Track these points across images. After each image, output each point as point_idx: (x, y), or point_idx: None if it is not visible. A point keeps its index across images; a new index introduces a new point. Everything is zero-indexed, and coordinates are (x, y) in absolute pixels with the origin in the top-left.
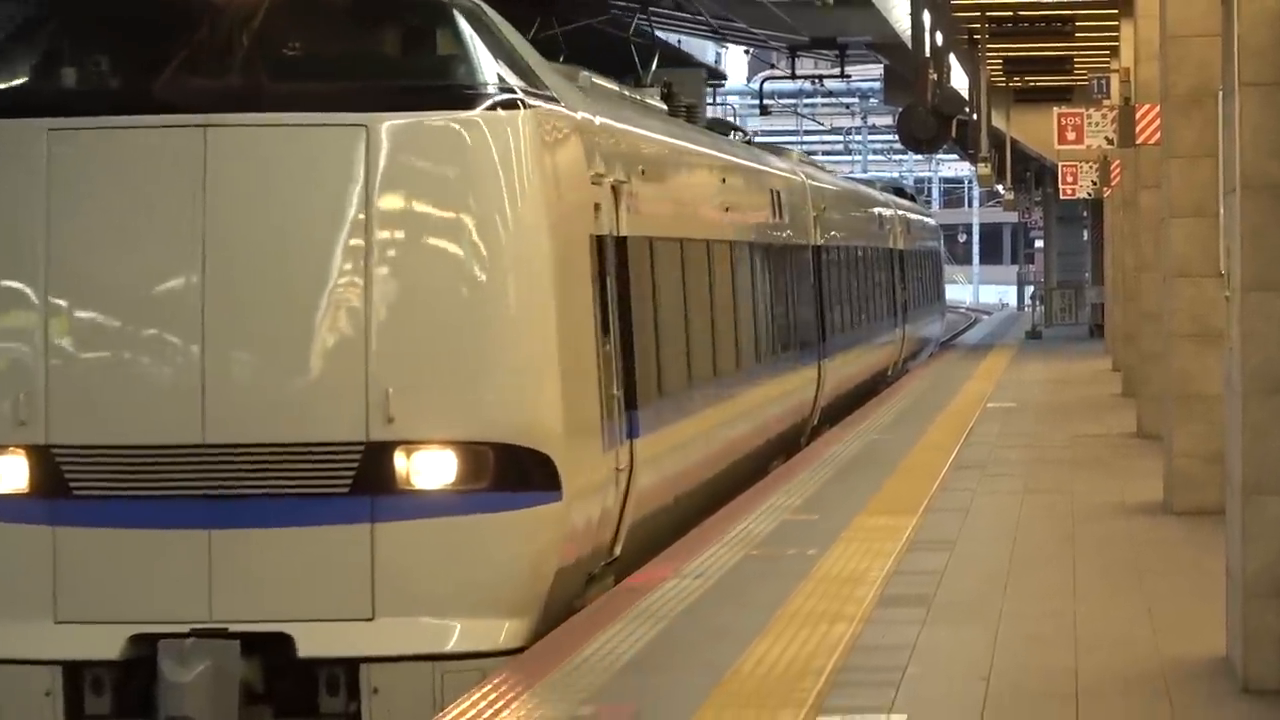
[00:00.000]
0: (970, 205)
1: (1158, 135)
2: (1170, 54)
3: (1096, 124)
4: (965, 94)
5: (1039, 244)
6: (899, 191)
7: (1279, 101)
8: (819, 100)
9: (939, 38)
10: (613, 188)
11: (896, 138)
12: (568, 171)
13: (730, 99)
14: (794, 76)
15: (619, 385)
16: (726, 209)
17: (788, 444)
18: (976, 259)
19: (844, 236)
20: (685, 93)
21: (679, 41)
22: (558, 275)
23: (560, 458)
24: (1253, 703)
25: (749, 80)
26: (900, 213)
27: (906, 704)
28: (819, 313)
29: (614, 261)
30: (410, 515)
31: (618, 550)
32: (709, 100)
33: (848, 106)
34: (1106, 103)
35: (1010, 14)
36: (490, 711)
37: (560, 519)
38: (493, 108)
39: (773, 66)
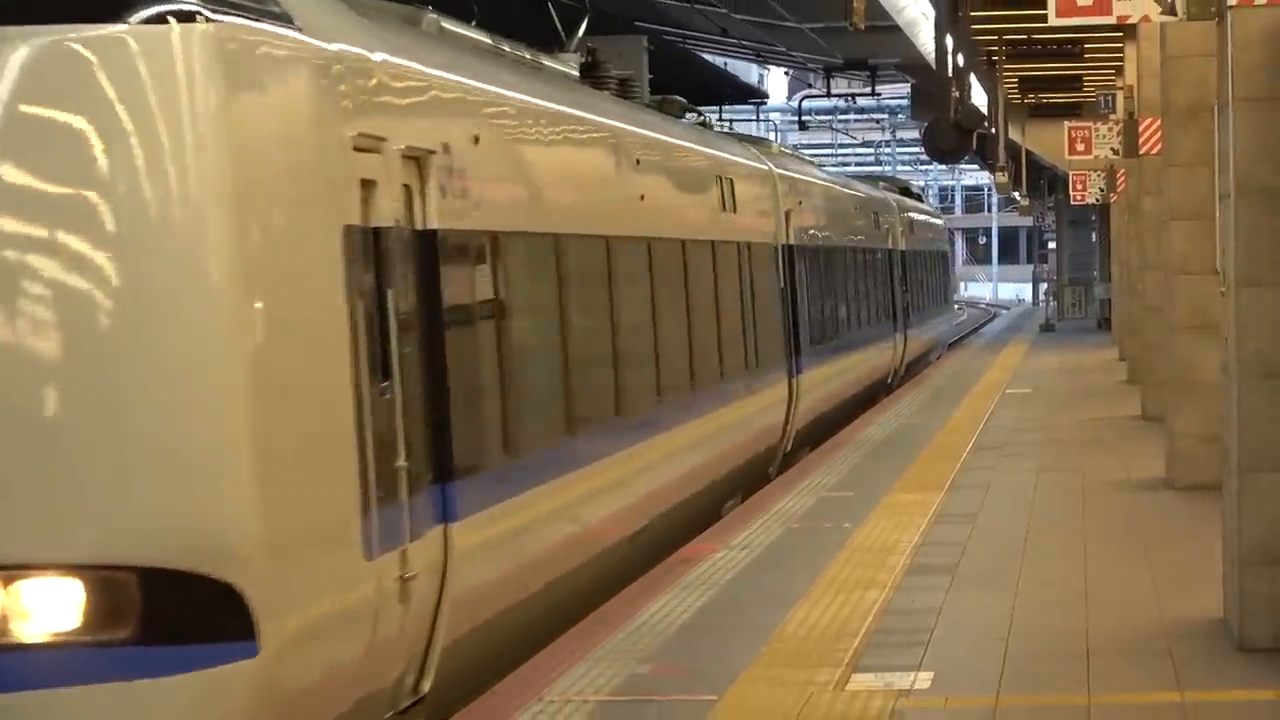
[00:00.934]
0: (989, 210)
1: (1159, 146)
2: (1170, 73)
3: (1103, 136)
4: (984, 110)
5: (1052, 245)
6: (905, 191)
7: (1269, 115)
8: (852, 116)
9: (960, 59)
10: (413, 160)
11: (923, 149)
12: (296, 127)
13: (772, 116)
14: (829, 95)
15: (414, 451)
16: (641, 198)
17: (749, 478)
18: (995, 259)
19: (826, 235)
20: (622, 64)
21: (725, 64)
22: (256, 289)
23: (256, 586)
24: (1247, 660)
25: (789, 98)
26: (901, 211)
27: (933, 663)
28: (789, 322)
29: (411, 267)
30: (6, 685)
31: (426, 685)
32: (751, 118)
33: (878, 122)
34: (1112, 117)
35: (1025, 37)
36: (553, 674)
37: (259, 684)
38: (152, 21)
39: (810, 86)
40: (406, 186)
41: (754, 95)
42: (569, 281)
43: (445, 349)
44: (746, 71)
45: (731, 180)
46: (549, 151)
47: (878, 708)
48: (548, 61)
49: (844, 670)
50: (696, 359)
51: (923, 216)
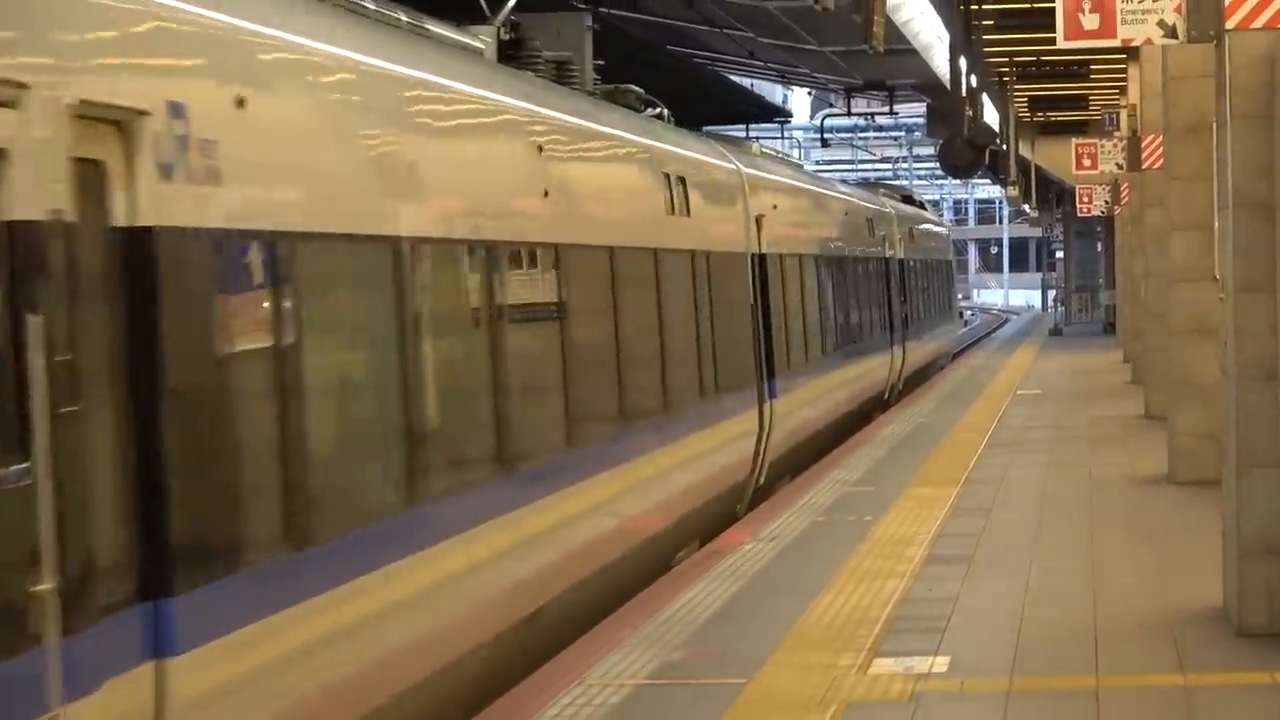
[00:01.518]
0: (1001, 222)
1: (1160, 161)
2: (1171, 93)
3: (1108, 152)
4: (996, 128)
5: (1060, 254)
6: (908, 199)
7: (1264, 131)
8: (872, 134)
9: (973, 80)
10: (105, 123)
11: (939, 165)
12: None
13: (796, 134)
14: (850, 113)
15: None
16: (545, 193)
17: (708, 520)
18: (1006, 267)
19: (807, 243)
20: (560, 44)
21: (751, 85)
22: None
23: None
24: (1246, 644)
25: (811, 117)
26: (900, 219)
27: (950, 648)
28: (760, 340)
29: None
30: None
31: None
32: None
33: (896, 139)
34: (1117, 134)
35: (1035, 59)
36: (592, 659)
37: None
38: None
39: (832, 105)
40: (88, 161)
41: (779, 114)
42: (416, 295)
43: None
44: (771, 92)
45: (683, 179)
46: (373, 119)
47: (898, 690)
48: (441, 31)
49: (866, 655)
50: (629, 391)
51: (924, 225)
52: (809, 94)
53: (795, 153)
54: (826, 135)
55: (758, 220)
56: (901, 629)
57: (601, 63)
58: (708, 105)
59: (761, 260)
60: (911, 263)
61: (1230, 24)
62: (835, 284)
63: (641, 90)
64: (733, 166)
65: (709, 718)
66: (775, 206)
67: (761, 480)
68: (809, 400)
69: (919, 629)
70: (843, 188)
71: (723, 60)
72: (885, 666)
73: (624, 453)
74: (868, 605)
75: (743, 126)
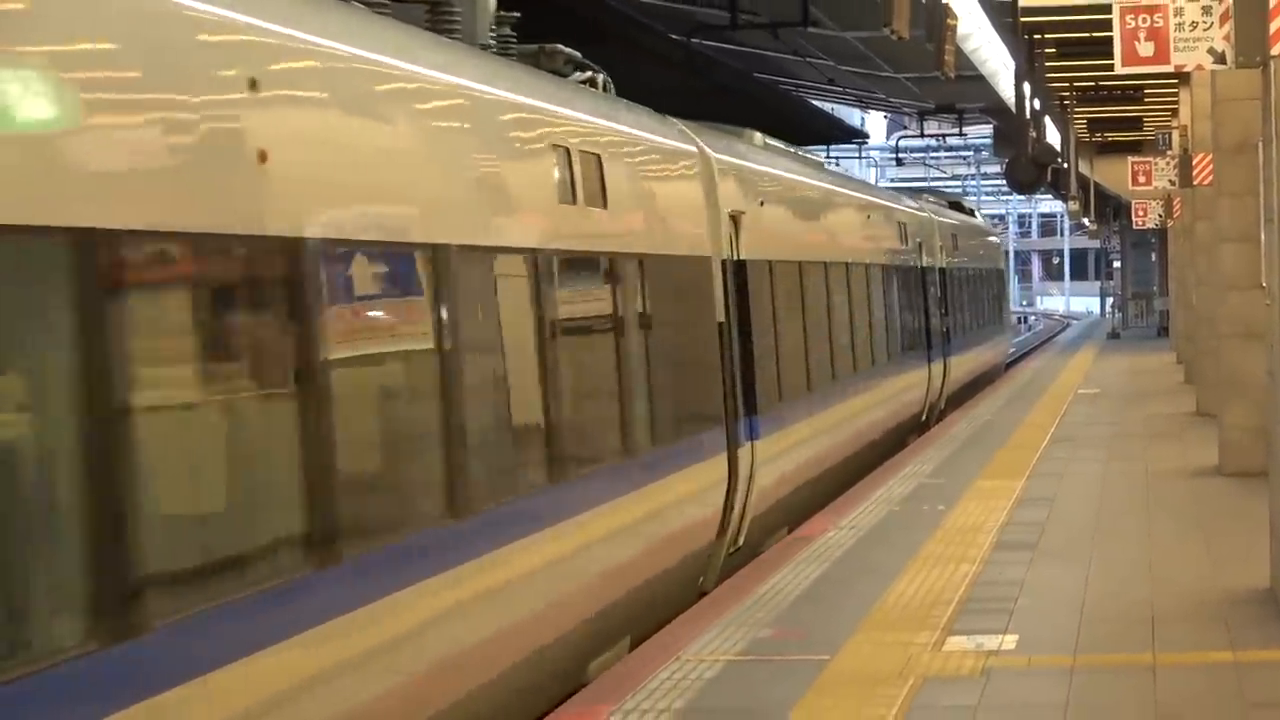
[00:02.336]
0: (1062, 234)
1: (1210, 178)
2: (1219, 114)
3: (1162, 170)
4: (1058, 147)
5: (1117, 264)
6: (956, 205)
7: None
8: (943, 153)
9: (1036, 103)
10: None
11: (1004, 182)
12: None
13: (872, 153)
14: (923, 134)
15: None
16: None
17: (655, 602)
18: (1068, 276)
19: (813, 249)
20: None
21: (832, 109)
22: None
23: None
24: None
25: (887, 138)
26: (940, 225)
27: (1017, 627)
28: (731, 367)
29: None
30: None
31: None
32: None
33: (965, 158)
34: (1169, 153)
35: (1093, 84)
36: (688, 638)
37: None
38: None
39: (905, 127)
40: None
41: (857, 136)
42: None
43: None
44: (850, 115)
45: (597, 158)
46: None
47: (970, 666)
48: None
49: (940, 634)
50: (514, 443)
51: (971, 231)
52: (885, 117)
53: (871, 171)
54: (901, 155)
55: (734, 219)
56: (972, 610)
57: (517, 15)
58: (792, 128)
59: (739, 268)
60: (956, 272)
61: (1275, 50)
62: (853, 296)
63: (579, 54)
64: (691, 149)
65: (795, 691)
66: (762, 203)
67: (740, 541)
68: (812, 436)
69: (989, 610)
70: (868, 188)
71: (806, 86)
72: (958, 644)
73: (474, 546)
74: (941, 588)
75: (824, 147)
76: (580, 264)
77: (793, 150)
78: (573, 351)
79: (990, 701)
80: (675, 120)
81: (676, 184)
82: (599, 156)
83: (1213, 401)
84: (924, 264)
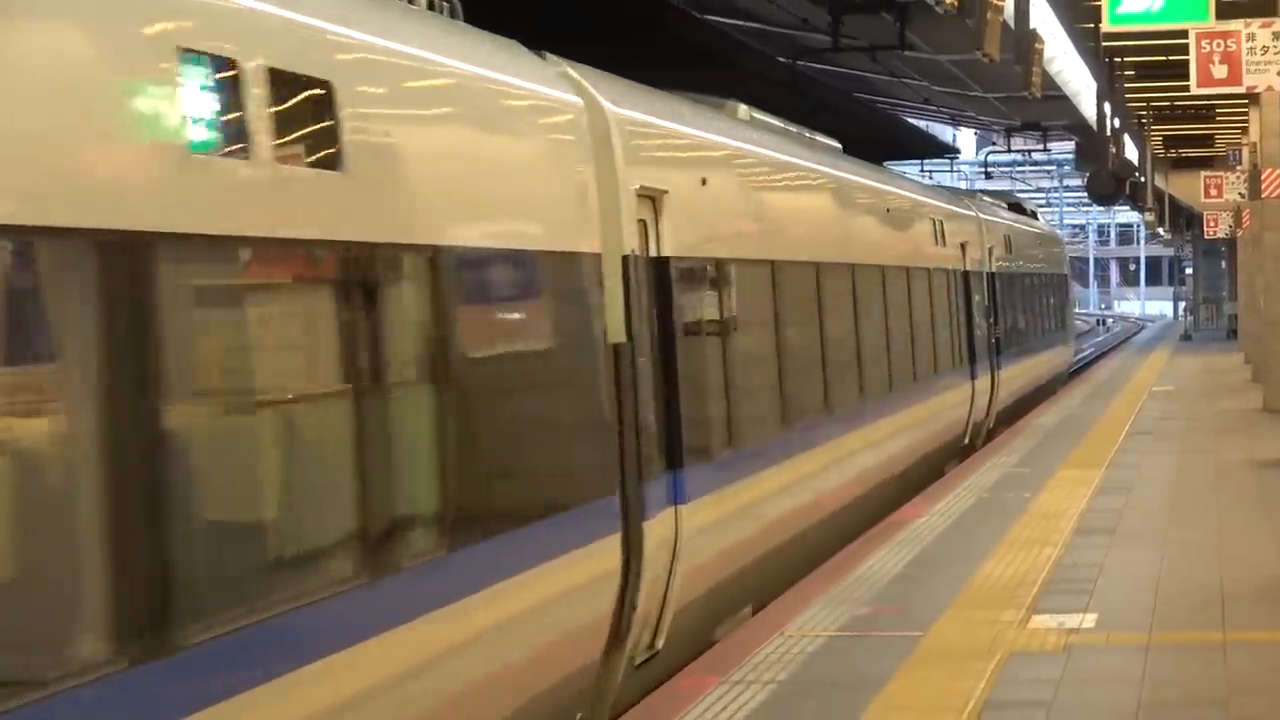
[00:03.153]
0: (1138, 243)
1: (1278, 191)
2: None
3: (1232, 183)
4: (1135, 162)
5: (1189, 270)
6: (1016, 206)
7: None
8: (1028, 167)
9: (1116, 122)
10: None
11: (1086, 194)
12: None
13: (962, 167)
14: (1010, 150)
15: None
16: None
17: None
18: (1143, 282)
19: (794, 246)
20: None
21: (926, 126)
22: None
23: None
24: None
25: (977, 153)
26: (989, 226)
27: (1097, 606)
28: (645, 404)
29: None
30: None
31: None
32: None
33: (1049, 172)
34: (1239, 168)
35: (1169, 104)
36: (791, 614)
37: None
38: None
39: (994, 143)
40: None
41: (949, 151)
42: None
43: None
44: (942, 132)
45: (325, 88)
46: None
47: (1053, 642)
48: None
49: (1025, 612)
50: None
51: (1027, 234)
52: (975, 133)
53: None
54: (989, 169)
55: (651, 200)
56: (1055, 590)
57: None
58: (889, 144)
59: (657, 268)
60: (1008, 277)
61: None
62: (862, 305)
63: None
64: (570, 100)
65: (891, 664)
66: (704, 182)
67: (657, 643)
68: (791, 484)
69: (1070, 590)
70: (892, 178)
71: (902, 105)
72: (1042, 622)
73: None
74: (1026, 570)
75: (918, 161)
76: (276, 257)
77: (795, 130)
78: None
79: (1071, 675)
80: (562, 61)
81: (527, 143)
82: (329, 84)
83: (1278, 398)
84: (967, 268)
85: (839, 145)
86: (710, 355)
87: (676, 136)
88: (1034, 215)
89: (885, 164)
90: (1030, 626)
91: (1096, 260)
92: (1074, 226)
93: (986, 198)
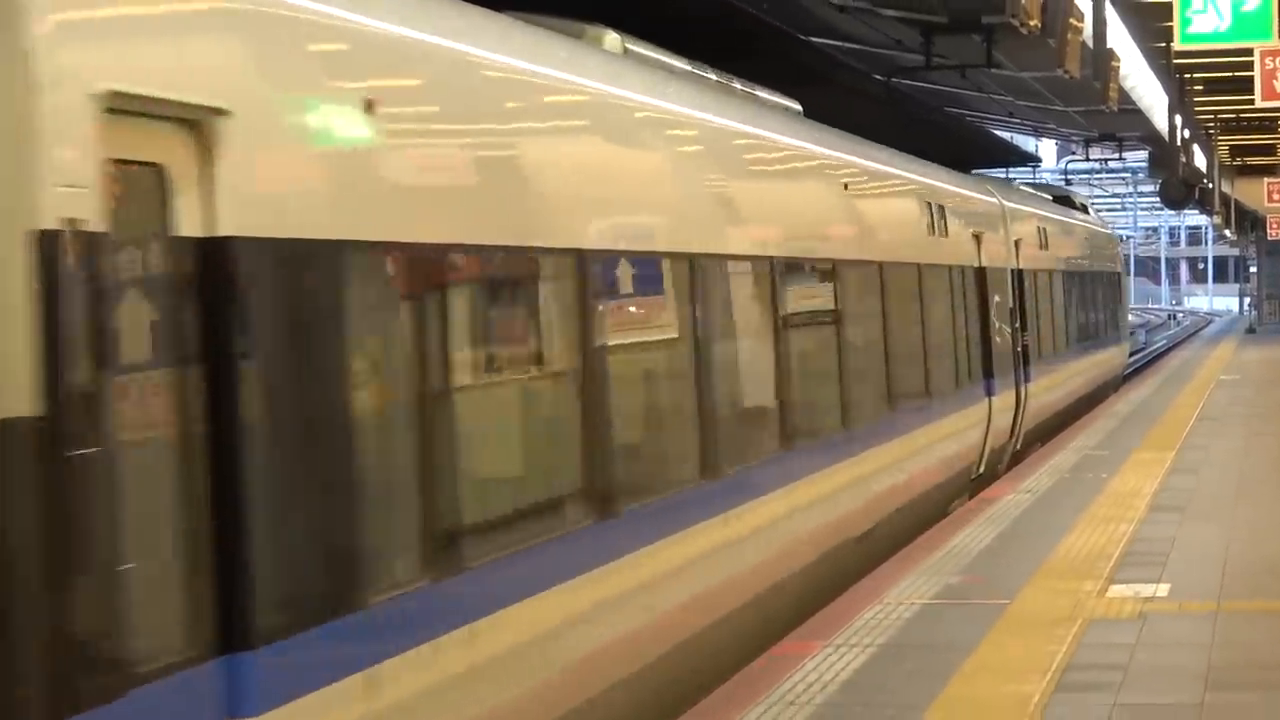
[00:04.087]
0: (1206, 243)
1: None
2: None
3: None
4: (1204, 170)
5: (1254, 269)
6: (1064, 200)
7: None
8: (1105, 175)
9: (1186, 133)
10: None
11: (1158, 199)
12: None
13: (1044, 175)
14: (1088, 159)
15: None
16: None
17: None
18: (1211, 279)
19: (726, 237)
20: None
21: (1010, 137)
22: None
23: None
24: None
25: (1057, 162)
26: (1016, 216)
27: (1170, 577)
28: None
29: None
30: None
31: None
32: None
33: (1124, 179)
34: None
35: (1235, 115)
36: (888, 583)
37: None
38: None
39: (1073, 153)
40: None
41: (1031, 160)
42: None
43: None
44: (1025, 142)
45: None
46: None
47: (1129, 610)
48: None
49: (1103, 582)
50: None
51: (1074, 229)
52: (1055, 144)
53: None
54: (1069, 176)
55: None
56: (1131, 562)
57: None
58: (975, 154)
59: (593, 259)
60: (1043, 275)
61: None
62: (788, 306)
63: None
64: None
65: (980, 630)
66: (726, 163)
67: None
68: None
69: (1145, 562)
70: (859, 148)
71: (988, 118)
72: (1118, 591)
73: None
74: (1104, 544)
75: (1003, 170)
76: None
77: (714, 78)
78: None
79: (1146, 640)
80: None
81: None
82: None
83: None
84: (984, 263)
85: (797, 107)
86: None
87: (689, 128)
88: (1084, 209)
89: (972, 172)
90: (1108, 596)
91: (1168, 260)
92: (1147, 228)
93: (1026, 188)
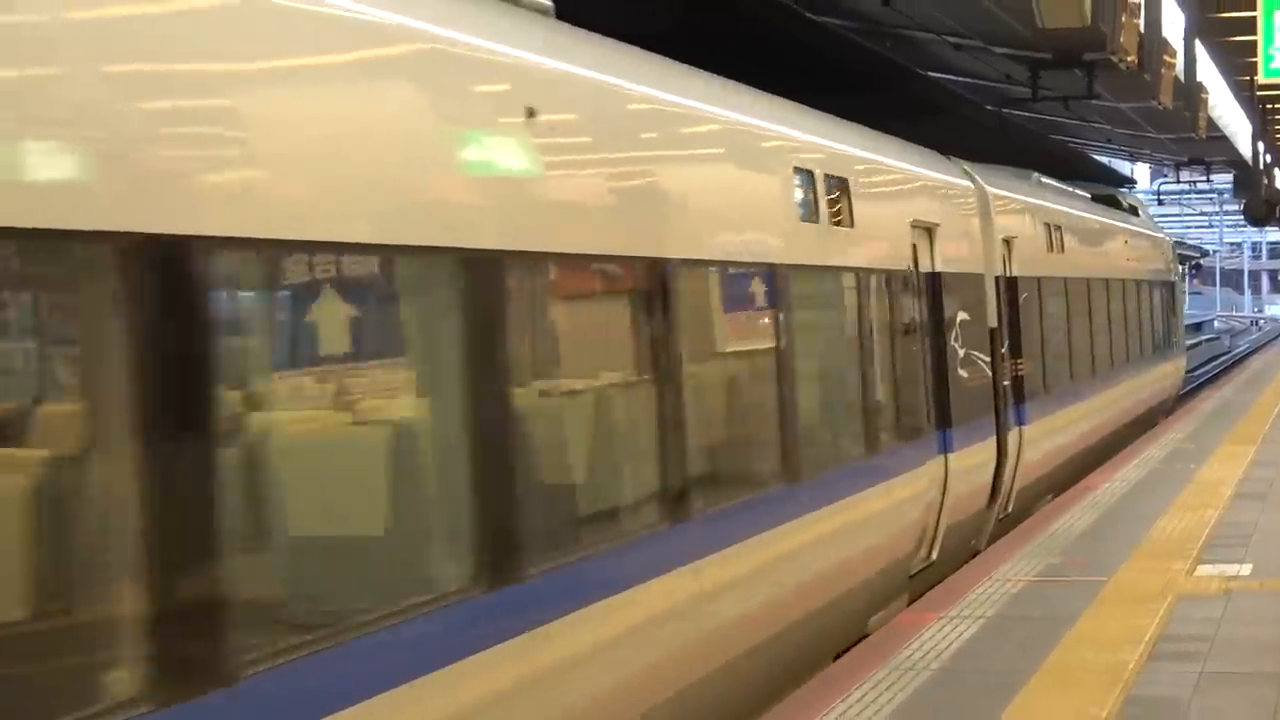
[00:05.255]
0: None
1: None
2: None
3: None
4: None
5: None
6: (1107, 200)
7: None
8: (1194, 195)
9: (1268, 157)
10: None
11: (1243, 217)
12: None
13: (1139, 195)
14: (1179, 181)
15: None
16: None
17: None
18: None
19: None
20: None
21: (1109, 161)
22: None
23: None
24: None
25: (1150, 183)
26: (1003, 206)
27: (1252, 558)
28: None
29: None
30: None
31: None
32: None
33: (1211, 199)
34: None
35: None
36: (996, 562)
37: None
38: None
39: (1165, 175)
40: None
41: (1127, 182)
42: None
43: None
44: (1122, 166)
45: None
46: None
47: (1215, 587)
48: None
49: (1191, 563)
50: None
51: (1111, 229)
52: (1149, 167)
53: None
54: (1161, 197)
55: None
56: (1217, 544)
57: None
58: (1077, 176)
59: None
60: (1051, 284)
61: None
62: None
63: None
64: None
65: (1080, 604)
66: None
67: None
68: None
69: (1229, 545)
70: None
71: (1089, 144)
72: (1205, 571)
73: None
74: (1192, 528)
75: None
76: None
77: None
78: None
79: (1230, 615)
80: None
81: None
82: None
83: None
84: (937, 267)
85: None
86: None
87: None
88: (1134, 210)
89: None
90: (1196, 575)
91: (1250, 272)
92: (1232, 243)
93: (1050, 181)
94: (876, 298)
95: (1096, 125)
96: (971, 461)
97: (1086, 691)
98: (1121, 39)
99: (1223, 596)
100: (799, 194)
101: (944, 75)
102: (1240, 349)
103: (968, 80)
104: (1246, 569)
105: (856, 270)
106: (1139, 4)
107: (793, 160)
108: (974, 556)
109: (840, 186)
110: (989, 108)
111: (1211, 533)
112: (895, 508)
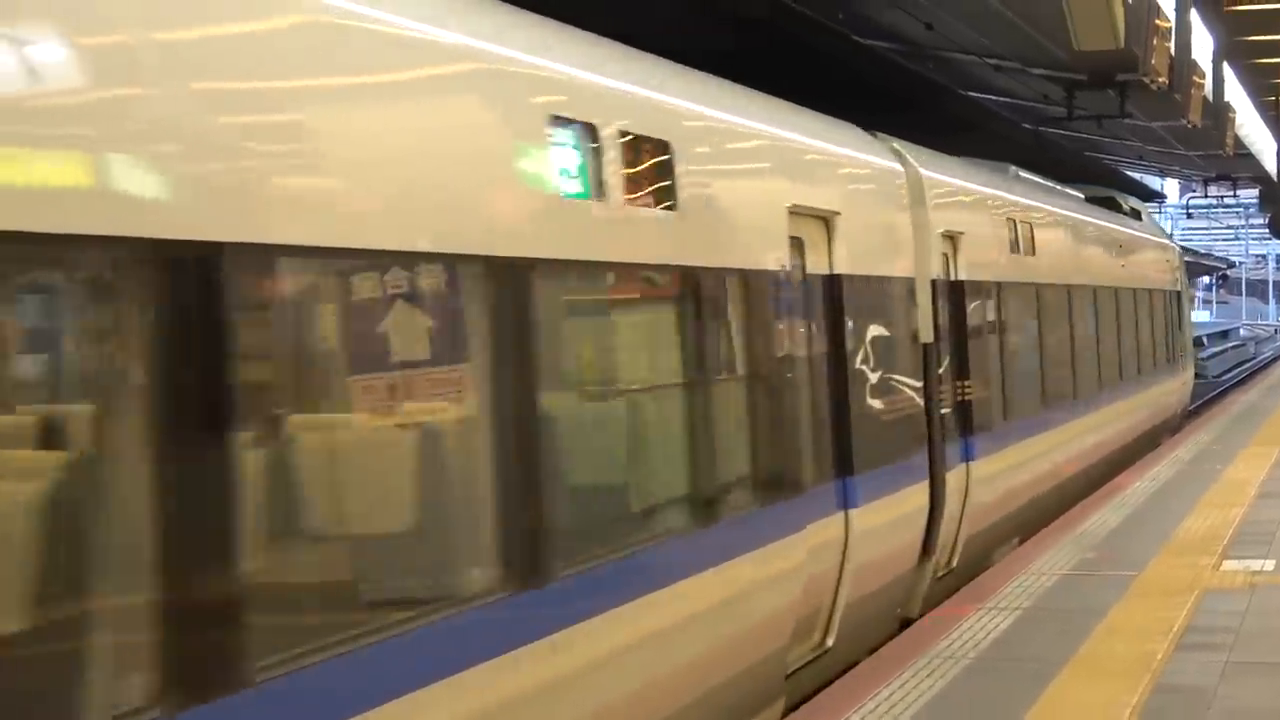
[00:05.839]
0: None
1: None
2: None
3: None
4: None
5: None
6: (1106, 202)
7: None
8: (1221, 209)
9: None
10: None
11: (1268, 230)
12: None
13: (1168, 209)
14: (1206, 195)
15: None
16: None
17: None
18: None
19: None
20: None
21: (1140, 176)
22: None
23: None
24: None
25: (1179, 198)
26: (948, 195)
27: (1276, 554)
28: None
29: None
30: None
31: None
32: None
33: (1238, 213)
34: None
35: None
36: (1032, 557)
37: None
38: None
39: (1193, 190)
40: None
41: (1157, 196)
42: None
43: None
44: (1152, 181)
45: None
46: None
47: (1240, 581)
48: None
49: (1217, 558)
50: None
51: (1105, 232)
52: (1178, 182)
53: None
54: (1190, 211)
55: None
56: (1242, 541)
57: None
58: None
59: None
60: (1015, 291)
61: None
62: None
63: None
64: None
65: (1111, 597)
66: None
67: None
68: None
69: (1254, 541)
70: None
71: (1121, 160)
72: (1231, 565)
73: None
74: (1217, 525)
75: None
76: None
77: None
78: None
79: (1255, 608)
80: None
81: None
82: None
83: None
84: (836, 269)
85: None
86: None
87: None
88: (1136, 215)
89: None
90: (1221, 569)
91: (1275, 282)
92: (1257, 255)
93: (1027, 174)
94: (716, 308)
95: (1128, 143)
96: (888, 515)
97: (1117, 680)
98: (1153, 61)
99: (1247, 590)
100: (561, 156)
101: (983, 95)
102: (1264, 355)
103: (1006, 100)
104: (1270, 564)
105: (679, 269)
106: (1170, 28)
107: (547, 106)
108: (906, 626)
109: (654, 151)
110: (1025, 126)
111: (1236, 530)
112: (747, 592)
